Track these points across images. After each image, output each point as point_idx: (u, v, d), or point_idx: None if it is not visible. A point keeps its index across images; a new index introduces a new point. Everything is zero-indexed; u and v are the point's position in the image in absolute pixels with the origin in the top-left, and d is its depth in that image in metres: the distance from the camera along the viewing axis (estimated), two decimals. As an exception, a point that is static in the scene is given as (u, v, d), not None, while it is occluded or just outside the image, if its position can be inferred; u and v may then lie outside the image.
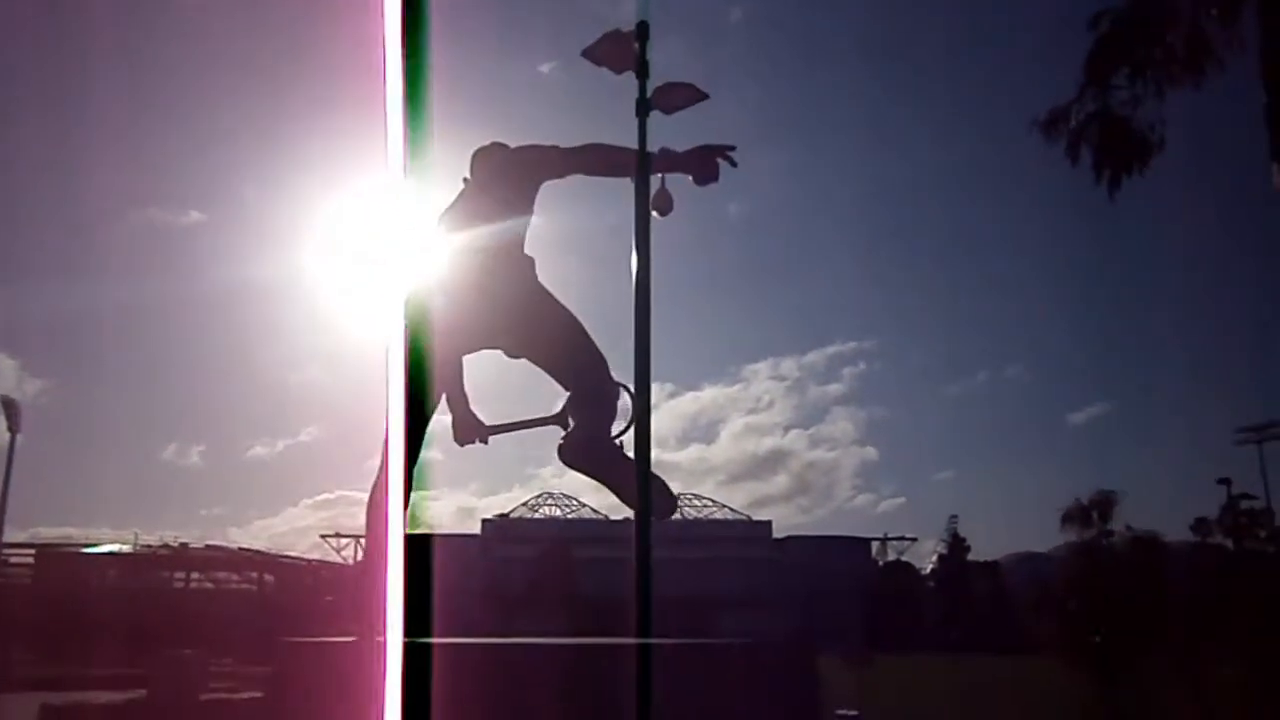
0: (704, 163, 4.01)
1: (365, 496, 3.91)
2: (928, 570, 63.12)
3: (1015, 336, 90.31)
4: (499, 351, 4.07)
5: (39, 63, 57.39)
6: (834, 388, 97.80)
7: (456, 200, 4.38)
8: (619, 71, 7.01)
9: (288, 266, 75.63)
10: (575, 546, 56.24)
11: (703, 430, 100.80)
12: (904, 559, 64.87)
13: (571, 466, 3.64)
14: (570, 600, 51.80)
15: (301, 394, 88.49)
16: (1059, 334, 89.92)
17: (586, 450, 3.62)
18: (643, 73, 6.89)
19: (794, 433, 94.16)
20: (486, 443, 4.20)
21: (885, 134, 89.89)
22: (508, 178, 4.18)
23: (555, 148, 4.25)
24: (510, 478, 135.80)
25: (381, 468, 3.38)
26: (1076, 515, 31.81)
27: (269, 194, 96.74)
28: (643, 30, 7.00)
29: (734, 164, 3.97)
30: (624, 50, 6.89)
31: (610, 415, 3.77)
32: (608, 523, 68.57)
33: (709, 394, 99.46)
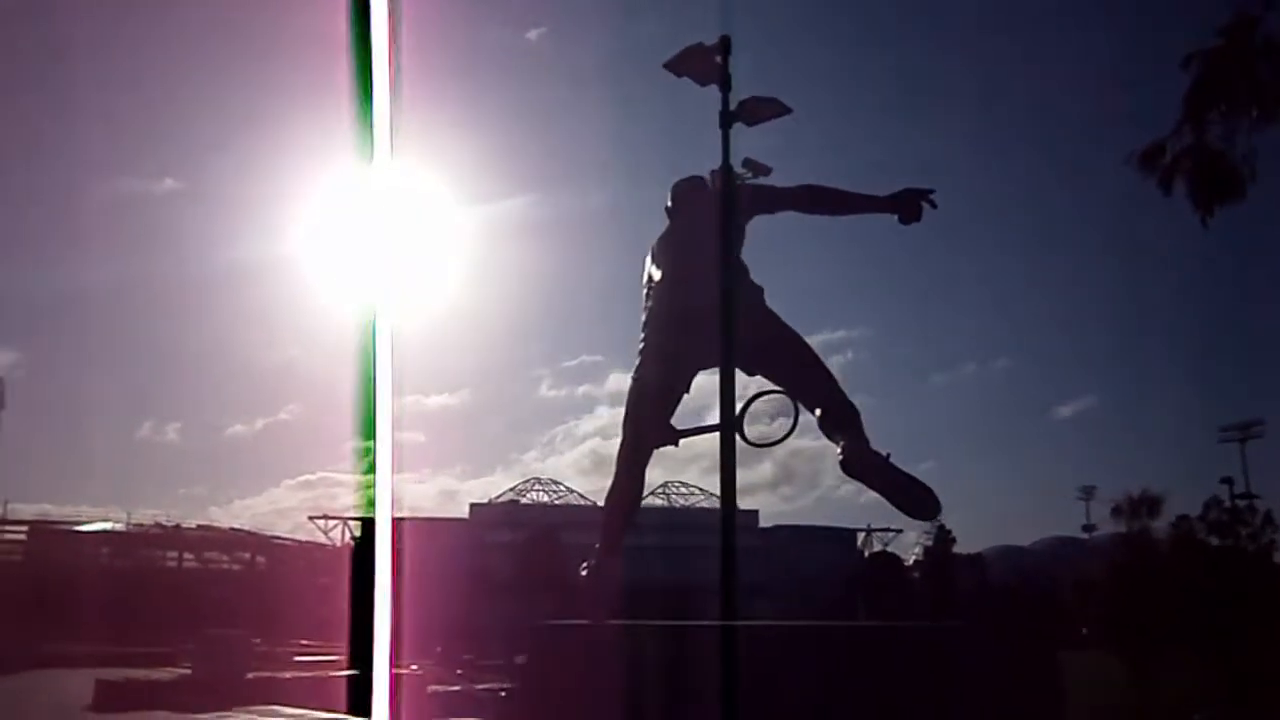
0: (908, 204, 4.25)
1: (348, 478, 4.33)
2: (911, 561, 63.74)
3: (1004, 328, 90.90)
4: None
5: (7, 33, 56.77)
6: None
7: (671, 232, 4.76)
8: (703, 84, 7.28)
9: (268, 243, 75.31)
10: (563, 532, 56.61)
11: (688, 416, 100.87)
12: (889, 549, 65.53)
13: (853, 477, 3.84)
14: (560, 585, 52.26)
15: (282, 373, 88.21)
16: (1048, 327, 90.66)
17: (866, 462, 3.82)
18: (725, 85, 7.18)
19: (780, 420, 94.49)
20: (676, 444, 4.66)
21: (882, 124, 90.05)
22: (718, 219, 4.55)
23: (770, 186, 4.60)
24: (494, 461, 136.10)
25: None
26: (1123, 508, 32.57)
27: (248, 169, 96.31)
28: (725, 44, 7.28)
29: (934, 205, 4.24)
30: (707, 63, 7.18)
31: (861, 428, 3.94)
32: (595, 508, 68.74)
33: (696, 380, 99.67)
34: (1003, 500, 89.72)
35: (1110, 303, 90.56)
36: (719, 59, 7.18)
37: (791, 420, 4.38)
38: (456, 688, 20.02)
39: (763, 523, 60.27)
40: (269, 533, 57.99)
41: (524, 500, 66.95)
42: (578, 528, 59.91)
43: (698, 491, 70.06)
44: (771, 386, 4.42)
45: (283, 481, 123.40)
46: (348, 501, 62.00)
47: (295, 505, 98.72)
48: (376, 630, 2.27)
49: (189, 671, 19.27)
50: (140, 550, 50.79)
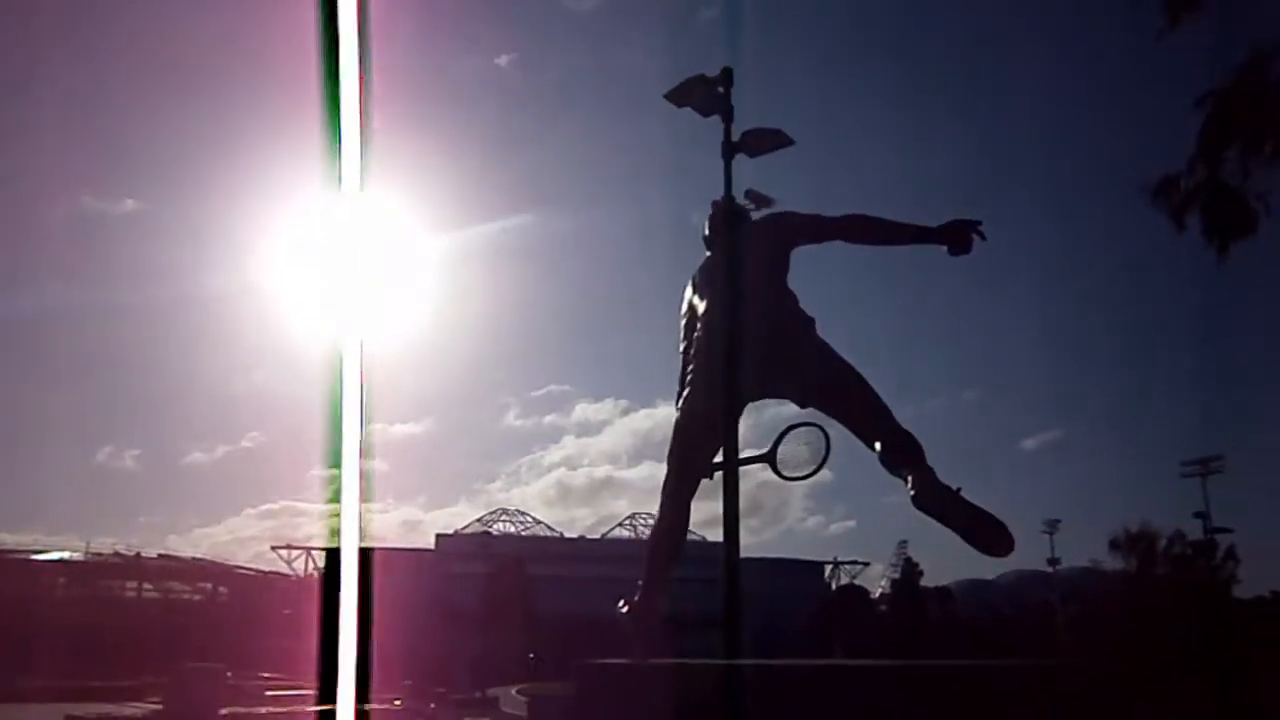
0: (959, 236, 4.10)
1: (311, 507, 4.22)
2: (877, 594, 63.86)
3: (973, 360, 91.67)
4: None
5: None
6: (789, 408, 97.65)
7: (713, 259, 4.68)
8: (706, 115, 7.27)
9: (232, 267, 74.47)
10: (530, 563, 56.28)
11: (656, 447, 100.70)
12: (857, 582, 65.68)
13: (925, 511, 3.69)
14: (527, 617, 51.85)
15: (245, 399, 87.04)
16: (1015, 359, 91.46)
17: (938, 496, 3.67)
18: (728, 116, 7.17)
19: (747, 452, 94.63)
20: (710, 478, 4.64)
21: (879, 154, 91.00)
22: (766, 243, 4.42)
23: (817, 216, 4.40)
24: (457, 492, 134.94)
25: None
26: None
27: (213, 192, 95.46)
28: (727, 75, 7.27)
29: (984, 237, 4.08)
30: (709, 94, 7.18)
31: (925, 460, 3.82)
32: (563, 540, 68.86)
33: (663, 411, 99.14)
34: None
35: (1079, 335, 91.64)
36: (720, 90, 7.22)
37: (823, 452, 4.31)
38: None
39: (743, 553, 60.01)
40: (231, 562, 57.32)
41: (488, 530, 66.55)
42: (545, 559, 59.85)
43: (667, 523, 69.93)
44: (804, 419, 4.35)
45: (244, 510, 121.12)
46: (311, 531, 61.41)
47: (256, 534, 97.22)
48: (341, 664, 2.27)
49: (159, 707, 18.90)
50: (100, 580, 49.94)
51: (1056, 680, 3.54)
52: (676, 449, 4.30)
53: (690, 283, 4.77)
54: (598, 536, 69.36)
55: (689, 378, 4.40)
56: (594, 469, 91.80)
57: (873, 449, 3.91)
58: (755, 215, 5.04)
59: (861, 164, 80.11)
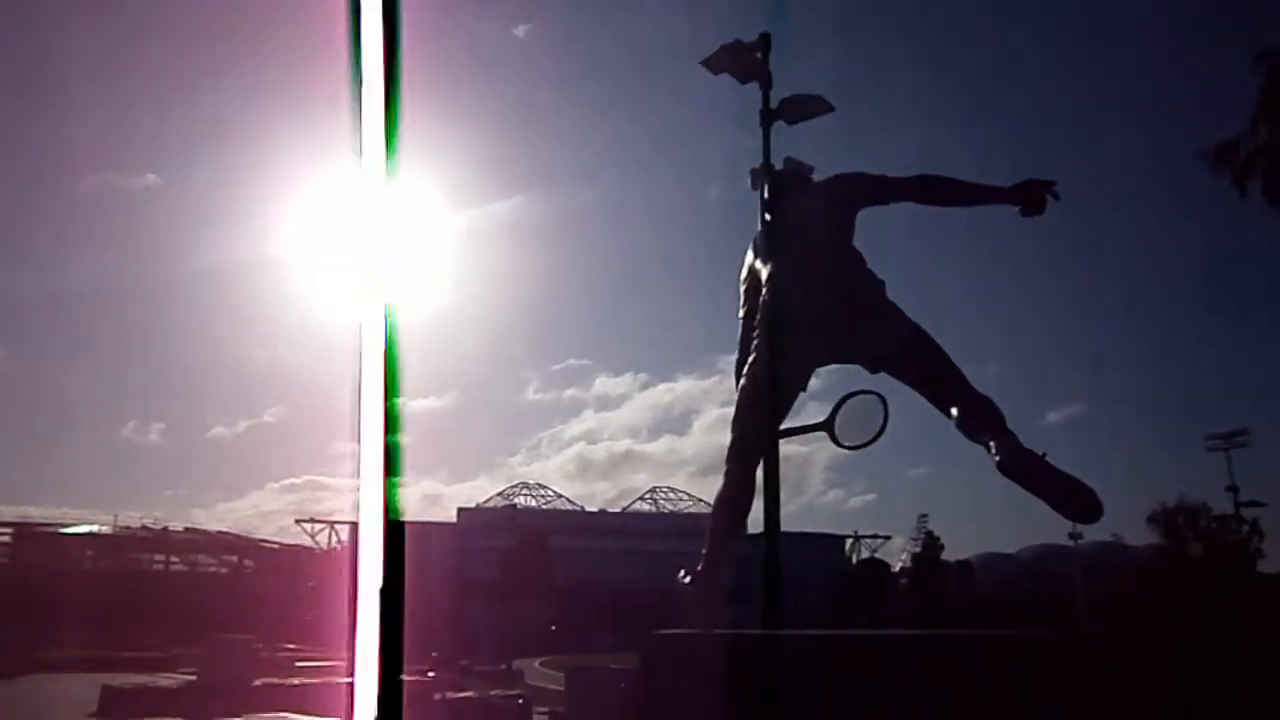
0: (1032, 196, 4.01)
1: (335, 481, 4.15)
2: (898, 568, 63.95)
3: (995, 334, 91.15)
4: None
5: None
6: (810, 380, 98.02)
7: (777, 223, 4.57)
8: (744, 81, 7.17)
9: (253, 242, 74.65)
10: (551, 536, 56.64)
11: (676, 421, 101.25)
12: (877, 556, 65.77)
13: (1011, 478, 3.56)
14: (549, 589, 52.23)
15: (266, 373, 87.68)
16: (1039, 333, 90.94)
17: (1024, 463, 3.54)
18: (766, 83, 7.07)
19: (871, 420, 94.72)
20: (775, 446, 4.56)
21: (884, 123, 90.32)
22: (832, 204, 4.32)
23: (883, 177, 4.32)
24: (478, 466, 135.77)
25: None
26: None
27: (234, 166, 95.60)
28: (765, 41, 7.16)
29: (1057, 197, 4.01)
30: (747, 60, 7.08)
31: (1007, 425, 3.70)
32: (584, 513, 69.24)
33: (683, 385, 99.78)
34: (991, 507, 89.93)
35: (1102, 309, 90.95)
36: (759, 55, 7.11)
37: (882, 420, 4.19)
38: (469, 693, 19.82)
39: (750, 529, 60.23)
40: (256, 536, 57.98)
41: (514, 503, 67.01)
42: (566, 532, 60.18)
43: (686, 496, 70.25)
44: (862, 386, 4.24)
45: (267, 484, 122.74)
46: (334, 505, 61.95)
47: (280, 509, 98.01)
48: (363, 635, 2.32)
49: (194, 677, 19.15)
50: (128, 553, 50.64)
51: (1087, 652, 3.53)
52: (743, 415, 4.21)
53: (751, 247, 4.68)
54: (618, 510, 69.82)
55: (755, 343, 4.30)
56: (614, 443, 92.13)
57: (948, 415, 3.82)
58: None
59: (904, 130, 79.07)
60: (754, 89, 7.19)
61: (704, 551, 4.18)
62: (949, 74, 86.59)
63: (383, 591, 2.48)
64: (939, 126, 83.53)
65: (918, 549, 62.87)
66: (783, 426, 4.48)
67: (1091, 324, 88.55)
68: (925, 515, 64.89)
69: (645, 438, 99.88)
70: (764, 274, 4.42)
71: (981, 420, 3.72)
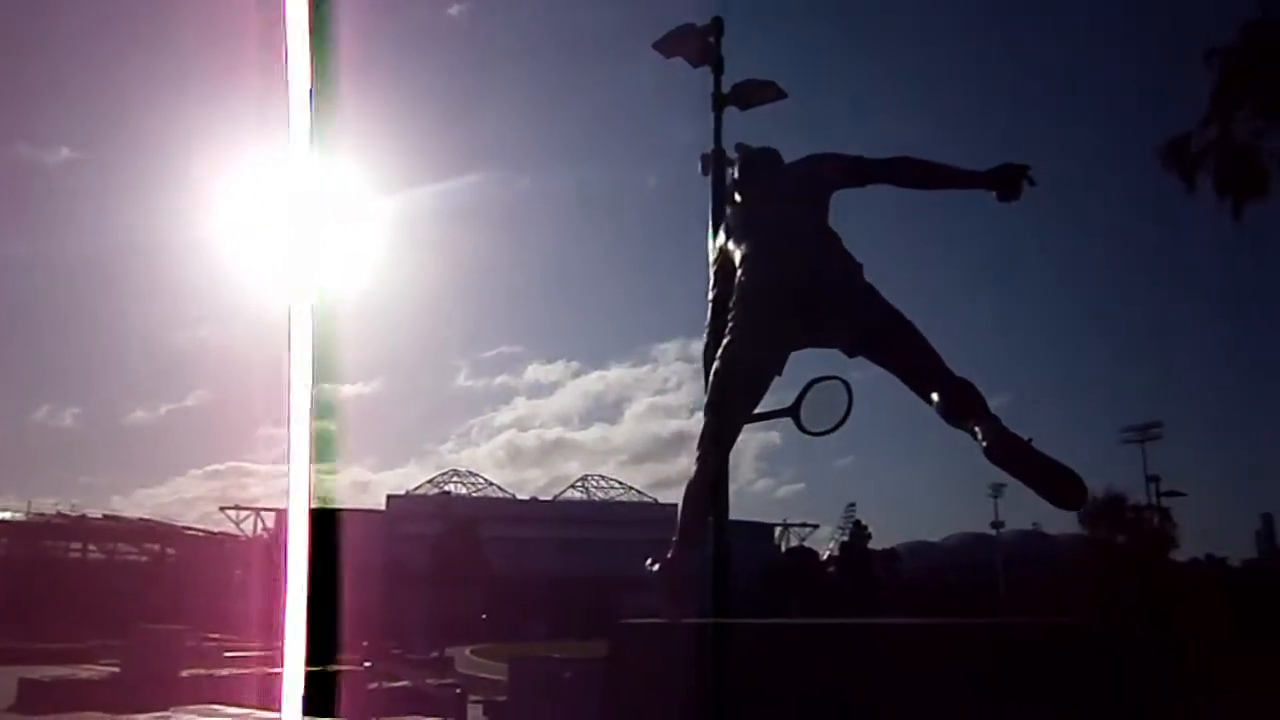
0: (1008, 180, 3.96)
1: (259, 468, 4.02)
2: (826, 556, 64.89)
3: (921, 323, 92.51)
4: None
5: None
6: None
7: (749, 204, 4.48)
8: (696, 65, 7.06)
9: (174, 221, 72.68)
10: (482, 524, 56.39)
11: (608, 410, 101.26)
12: (806, 544, 66.66)
13: (999, 465, 3.52)
14: (479, 577, 52.02)
15: (190, 356, 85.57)
16: (964, 324, 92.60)
17: (1011, 449, 3.50)
18: (718, 68, 6.98)
19: (699, 415, 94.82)
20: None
21: (875, 111, 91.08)
22: (807, 185, 4.27)
23: (859, 158, 4.28)
24: (408, 453, 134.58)
25: None
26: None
27: (154, 142, 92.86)
28: (717, 25, 7.08)
29: (1033, 183, 3.96)
30: (700, 44, 6.98)
31: (989, 410, 3.65)
32: (514, 501, 69.02)
33: (615, 373, 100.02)
34: (917, 496, 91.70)
35: (1029, 300, 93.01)
36: (711, 40, 7.05)
37: (846, 405, 4.17)
38: (404, 683, 19.65)
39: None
40: (179, 523, 56.80)
41: (446, 491, 66.54)
42: (497, 520, 59.96)
43: (617, 485, 70.44)
44: (828, 372, 4.22)
45: (189, 470, 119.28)
46: (259, 491, 60.92)
47: (203, 495, 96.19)
48: (292, 624, 2.29)
49: (117, 669, 18.67)
50: (42, 541, 49.22)
51: (1015, 639, 3.63)
52: (719, 398, 4.12)
53: (722, 228, 4.61)
54: (549, 498, 69.71)
55: (731, 325, 4.19)
56: (545, 431, 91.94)
57: (928, 400, 3.75)
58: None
59: (859, 119, 79.67)
60: (702, 75, 7.18)
61: (673, 539, 4.11)
62: (905, 64, 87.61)
63: (312, 579, 2.46)
64: (893, 116, 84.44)
65: (845, 538, 63.93)
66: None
67: (1020, 316, 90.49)
68: (853, 504, 66.04)
69: (577, 425, 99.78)
70: (737, 255, 4.33)
71: (964, 406, 3.66)
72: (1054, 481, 3.49)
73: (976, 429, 3.56)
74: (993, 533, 50.60)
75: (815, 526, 67.49)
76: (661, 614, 3.98)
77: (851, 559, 60.59)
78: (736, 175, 4.69)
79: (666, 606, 4.01)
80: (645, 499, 65.77)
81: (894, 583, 56.72)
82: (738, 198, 4.65)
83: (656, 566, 4.01)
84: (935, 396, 3.71)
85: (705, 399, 4.16)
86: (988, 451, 3.50)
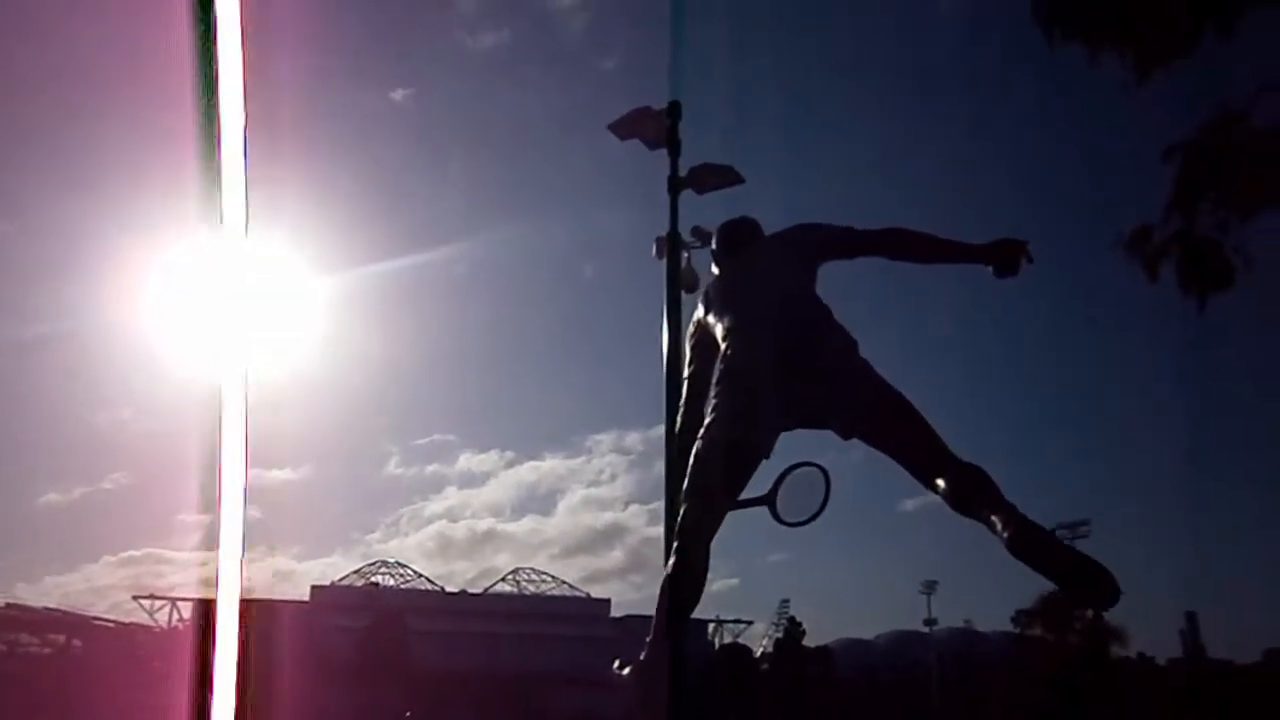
0: (1006, 256, 3.77)
1: (177, 555, 3.78)
2: (760, 653, 64.17)
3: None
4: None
5: None
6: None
7: (732, 277, 4.26)
8: (652, 148, 7.08)
9: (94, 298, 71.22)
10: (410, 617, 54.91)
11: (540, 501, 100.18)
12: (740, 641, 65.86)
13: (1022, 558, 3.21)
14: (405, 672, 50.40)
15: (108, 438, 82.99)
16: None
17: (1035, 541, 3.20)
18: (675, 151, 6.98)
19: (634, 507, 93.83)
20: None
21: (822, 185, 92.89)
22: (795, 256, 4.05)
23: (849, 229, 4.05)
24: (334, 542, 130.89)
25: None
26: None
27: (80, 219, 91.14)
28: (675, 109, 7.09)
29: (1031, 260, 3.78)
30: (656, 126, 7.00)
31: (1004, 497, 3.34)
32: (443, 594, 67.42)
33: (549, 464, 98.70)
34: (850, 593, 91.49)
35: (959, 395, 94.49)
36: (668, 122, 7.08)
37: (823, 495, 3.82)
38: None
39: (614, 612, 59.88)
40: (88, 613, 54.36)
41: (375, 582, 64.87)
42: (424, 613, 58.43)
43: (548, 579, 69.22)
44: (806, 458, 3.88)
45: (102, 557, 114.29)
46: (176, 580, 58.66)
47: (115, 583, 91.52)
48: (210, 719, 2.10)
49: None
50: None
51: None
52: (700, 483, 3.79)
53: (701, 300, 4.34)
54: (479, 591, 68.16)
55: (714, 404, 3.87)
56: (476, 521, 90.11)
57: (932, 487, 3.46)
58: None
59: (817, 204, 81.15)
60: (652, 161, 7.19)
61: (649, 639, 3.76)
62: (859, 153, 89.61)
63: (230, 673, 2.30)
64: (853, 207, 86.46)
65: (779, 634, 63.32)
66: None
67: (954, 410, 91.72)
68: (787, 600, 65.55)
69: (509, 517, 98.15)
70: (719, 329, 4.06)
71: (977, 492, 3.36)
72: (1084, 578, 3.18)
73: (994, 518, 3.25)
74: (925, 630, 50.54)
75: (749, 623, 66.82)
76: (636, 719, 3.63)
77: (785, 657, 59.95)
78: (715, 245, 4.48)
79: (640, 715, 3.67)
80: (577, 593, 64.67)
81: (828, 681, 56.18)
82: (716, 270, 4.44)
83: (627, 670, 3.67)
84: (941, 482, 3.43)
85: (685, 485, 3.82)
86: (1010, 543, 3.20)
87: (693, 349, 4.24)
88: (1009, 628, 37.39)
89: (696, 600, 3.81)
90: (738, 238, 4.42)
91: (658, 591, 3.80)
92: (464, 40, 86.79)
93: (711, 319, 4.13)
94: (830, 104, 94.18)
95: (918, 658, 51.25)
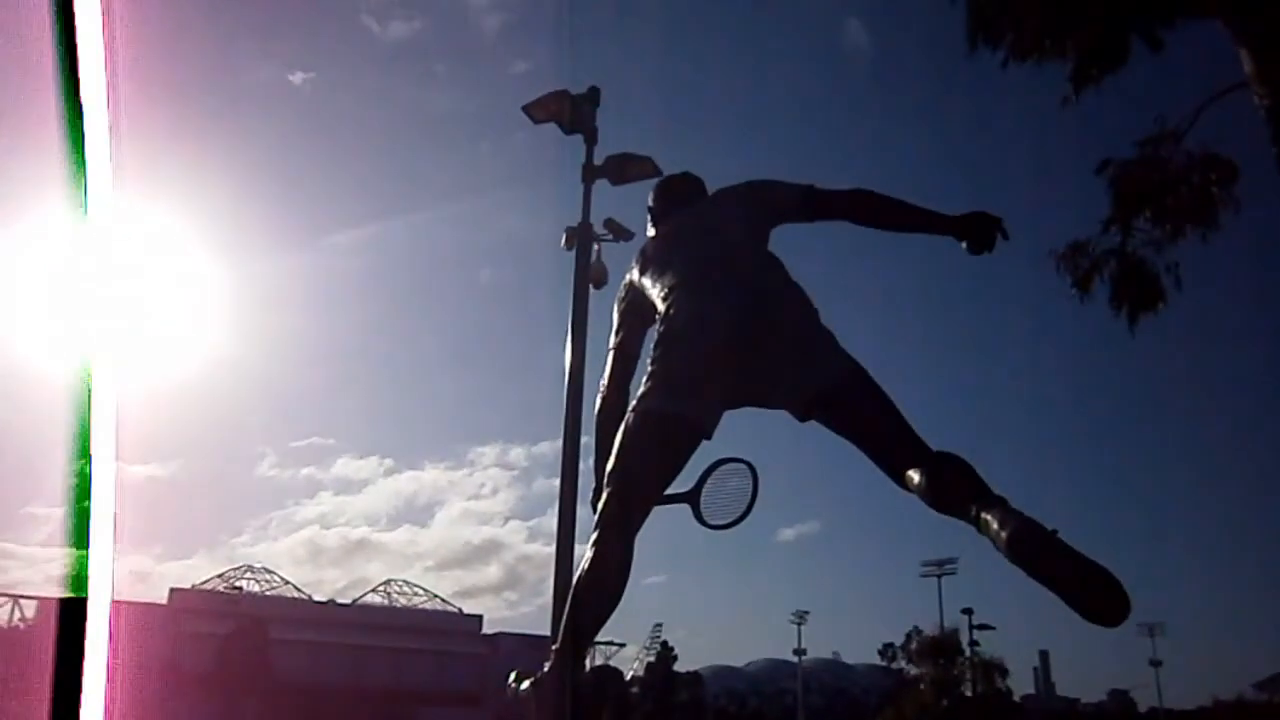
0: (981, 231, 3.27)
1: (21, 549, 3.30)
2: (630, 676, 64.24)
3: (740, 447, 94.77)
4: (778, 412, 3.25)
5: None
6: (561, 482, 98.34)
7: (675, 235, 3.65)
8: (569, 132, 6.84)
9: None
10: (274, 625, 53.28)
11: (418, 512, 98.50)
12: (611, 663, 65.79)
13: (1022, 562, 2.61)
14: (265, 683, 48.84)
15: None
16: (783, 449, 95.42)
17: (1039, 542, 2.63)
18: (592, 138, 6.78)
19: (514, 523, 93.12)
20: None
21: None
22: (749, 213, 3.50)
23: (810, 187, 3.47)
24: (197, 543, 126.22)
25: None
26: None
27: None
28: (593, 94, 6.93)
29: (1006, 236, 3.27)
30: (574, 111, 6.77)
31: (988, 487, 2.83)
32: (310, 602, 65.53)
33: (430, 474, 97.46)
34: (723, 619, 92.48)
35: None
36: (588, 108, 6.90)
37: (750, 495, 3.38)
38: None
39: (486, 629, 59.17)
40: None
41: (239, 586, 62.71)
42: (290, 622, 56.70)
43: (421, 591, 68.02)
44: (733, 454, 3.41)
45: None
46: (20, 576, 55.66)
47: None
48: None
49: None
50: None
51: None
52: (628, 463, 3.16)
53: (635, 260, 3.68)
54: (348, 601, 66.52)
55: (648, 374, 3.24)
56: (350, 529, 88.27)
57: (900, 480, 2.96)
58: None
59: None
60: (572, 160, 7.02)
61: (554, 648, 3.21)
62: (794, 152, 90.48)
63: (78, 676, 2.20)
64: None
65: (651, 658, 63.51)
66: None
67: (826, 444, 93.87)
68: (660, 624, 65.83)
69: (384, 526, 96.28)
70: (655, 292, 3.44)
71: (961, 485, 2.85)
72: (1092, 587, 2.61)
73: (985, 515, 2.72)
74: (794, 660, 51.31)
75: (622, 645, 66.81)
76: None
77: (656, 681, 60.10)
78: (653, 202, 3.93)
79: None
80: (449, 608, 63.68)
81: (698, 707, 56.52)
82: (653, 231, 3.88)
83: (526, 684, 3.13)
84: (915, 474, 2.91)
85: (607, 468, 3.22)
86: (1008, 544, 2.65)
87: (622, 315, 3.59)
88: (876, 660, 38.22)
89: (613, 606, 3.20)
90: (682, 191, 3.89)
91: (569, 596, 3.22)
92: (371, 28, 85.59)
93: (648, 280, 3.52)
94: (765, 105, 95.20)
95: (786, 686, 51.96)
